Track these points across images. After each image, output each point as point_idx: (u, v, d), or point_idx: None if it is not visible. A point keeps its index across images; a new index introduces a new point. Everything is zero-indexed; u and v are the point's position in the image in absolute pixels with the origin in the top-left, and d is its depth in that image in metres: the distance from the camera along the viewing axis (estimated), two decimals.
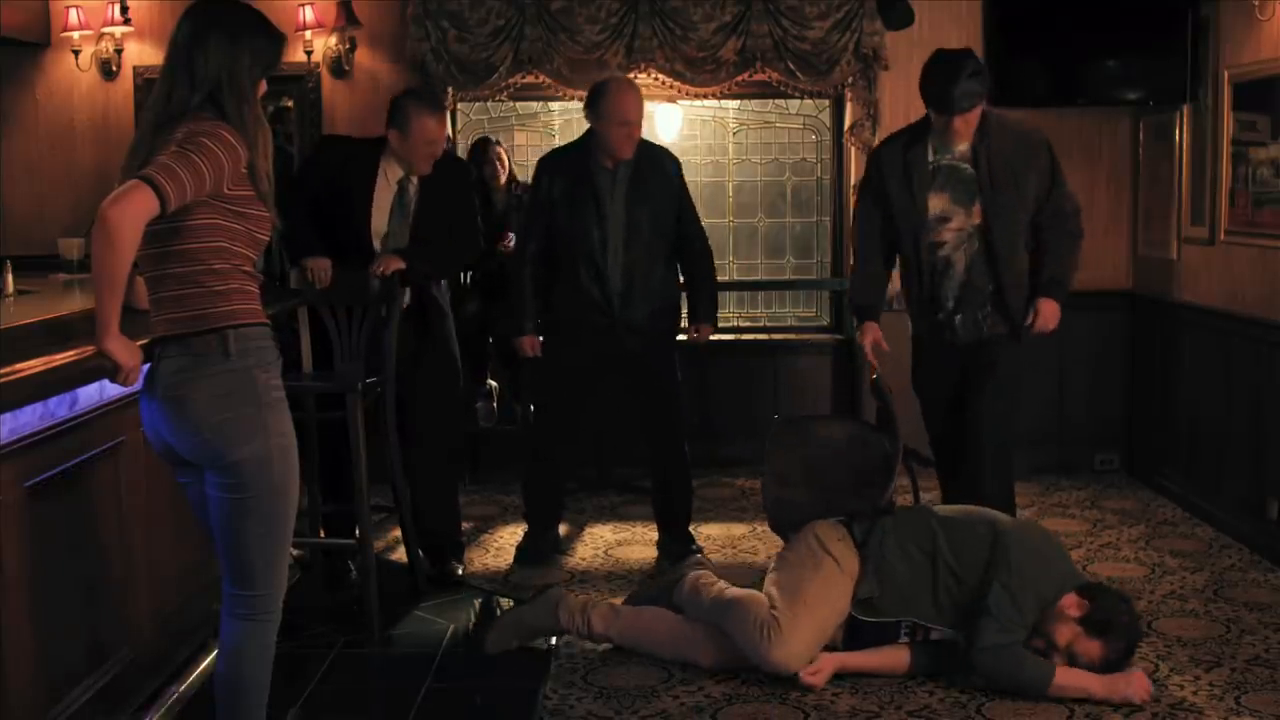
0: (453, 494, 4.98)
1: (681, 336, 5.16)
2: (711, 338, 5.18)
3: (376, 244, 4.65)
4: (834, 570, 3.89)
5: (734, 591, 3.99)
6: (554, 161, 5.01)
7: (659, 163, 4.97)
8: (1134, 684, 3.70)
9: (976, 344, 4.61)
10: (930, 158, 4.53)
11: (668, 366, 5.05)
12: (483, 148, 6.25)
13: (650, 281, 4.92)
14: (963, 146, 4.49)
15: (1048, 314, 4.58)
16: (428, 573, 4.82)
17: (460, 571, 4.90)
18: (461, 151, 6.49)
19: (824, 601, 3.86)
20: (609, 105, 4.76)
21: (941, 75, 4.38)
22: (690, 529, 5.15)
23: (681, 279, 5.11)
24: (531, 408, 5.67)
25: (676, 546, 5.07)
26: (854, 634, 3.89)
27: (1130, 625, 3.78)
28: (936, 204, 4.53)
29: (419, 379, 4.73)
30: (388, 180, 4.65)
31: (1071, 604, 3.74)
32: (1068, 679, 3.70)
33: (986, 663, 3.71)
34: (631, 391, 5.10)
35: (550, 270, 4.95)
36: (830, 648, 3.92)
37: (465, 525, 5.27)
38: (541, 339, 5.04)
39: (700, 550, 5.07)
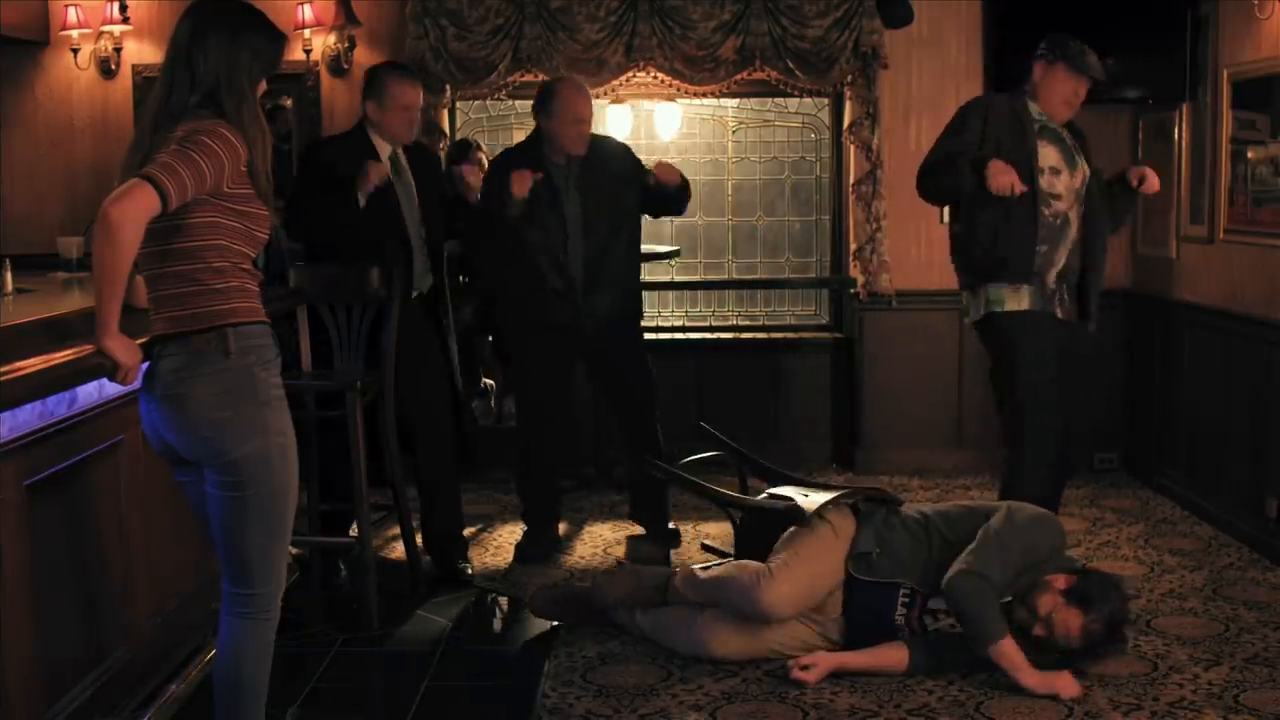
0: (457, 494, 5.00)
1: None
2: (709, 337, 5.22)
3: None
4: (828, 531, 4.02)
5: (725, 564, 4.13)
6: (507, 161, 5.04)
7: (609, 152, 5.06)
8: (1062, 681, 3.73)
9: (1068, 325, 4.61)
10: (1037, 115, 4.56)
11: (635, 352, 5.15)
12: (462, 151, 6.23)
13: (611, 269, 5.01)
14: (1060, 120, 4.59)
15: (1145, 169, 4.66)
16: (435, 574, 4.83)
17: (469, 571, 4.90)
18: None
19: (816, 555, 3.97)
20: (561, 105, 4.86)
21: (1089, 51, 4.48)
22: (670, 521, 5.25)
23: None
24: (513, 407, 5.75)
25: (656, 526, 5.19)
26: (852, 598, 3.96)
27: (1114, 605, 3.80)
28: (1050, 154, 4.54)
29: (420, 379, 4.75)
30: (383, 159, 4.69)
31: (1060, 578, 3.82)
32: (1009, 649, 3.73)
33: (959, 586, 3.74)
34: (600, 379, 5.21)
35: (513, 268, 5.01)
36: (830, 648, 3.95)
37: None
38: (511, 339, 5.22)
39: (677, 533, 5.17)
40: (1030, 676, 3.73)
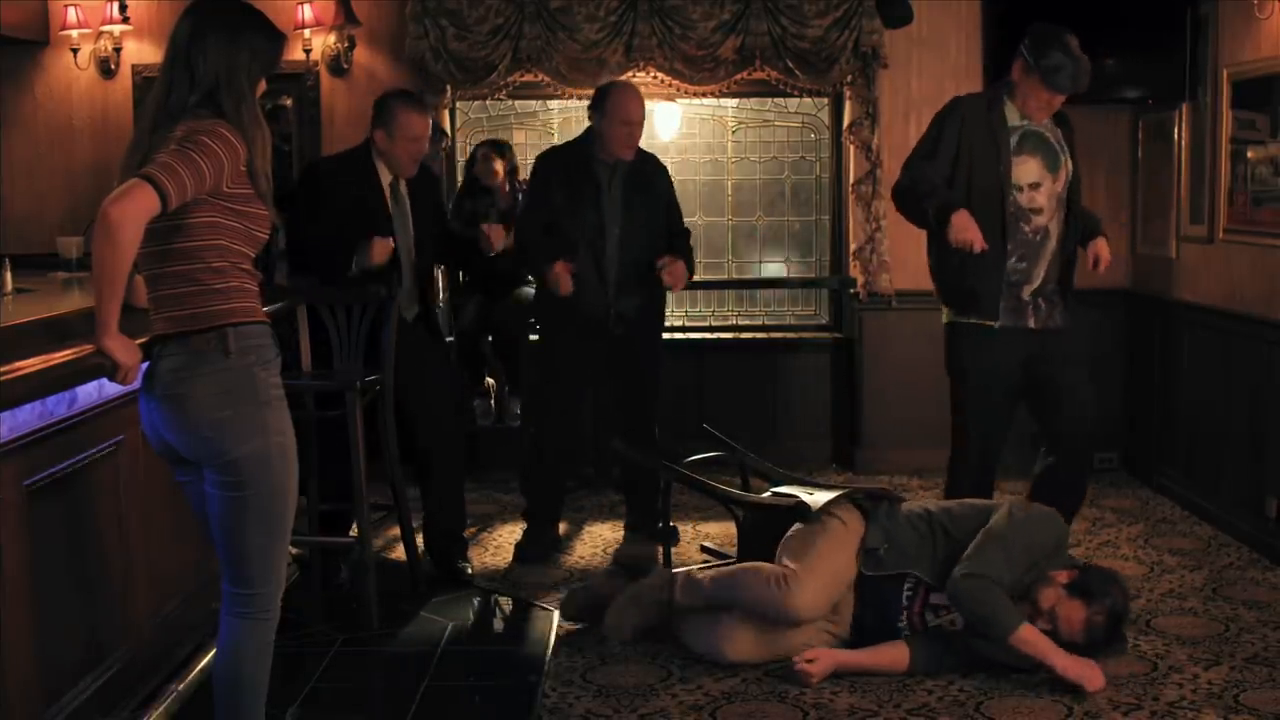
0: (462, 495, 5.01)
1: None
2: (709, 337, 5.22)
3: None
4: (840, 527, 4.04)
5: (733, 567, 4.09)
6: (554, 155, 5.20)
7: (653, 166, 5.18)
8: (1091, 670, 3.74)
9: (1045, 332, 4.56)
10: (1016, 121, 4.50)
11: (652, 355, 5.22)
12: (483, 154, 6.24)
13: (643, 273, 5.06)
14: (1045, 121, 4.53)
15: (1105, 248, 4.61)
16: (435, 574, 4.83)
17: (469, 570, 4.91)
18: (461, 150, 6.52)
19: (834, 553, 3.98)
20: (614, 105, 4.95)
21: (1066, 50, 4.37)
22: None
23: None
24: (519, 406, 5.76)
25: (646, 525, 5.20)
26: (861, 595, 3.98)
27: (1115, 598, 3.82)
28: (1030, 169, 4.48)
29: (426, 385, 4.75)
30: (384, 185, 4.70)
31: (1062, 573, 3.84)
32: (1032, 635, 3.75)
33: (965, 588, 3.77)
34: (613, 375, 5.21)
35: (548, 260, 5.03)
36: (836, 645, 3.97)
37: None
38: (537, 335, 5.25)
39: (675, 531, 5.13)
40: (1059, 658, 3.74)
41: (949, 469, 4.76)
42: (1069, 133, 4.62)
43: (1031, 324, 4.55)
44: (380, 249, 4.52)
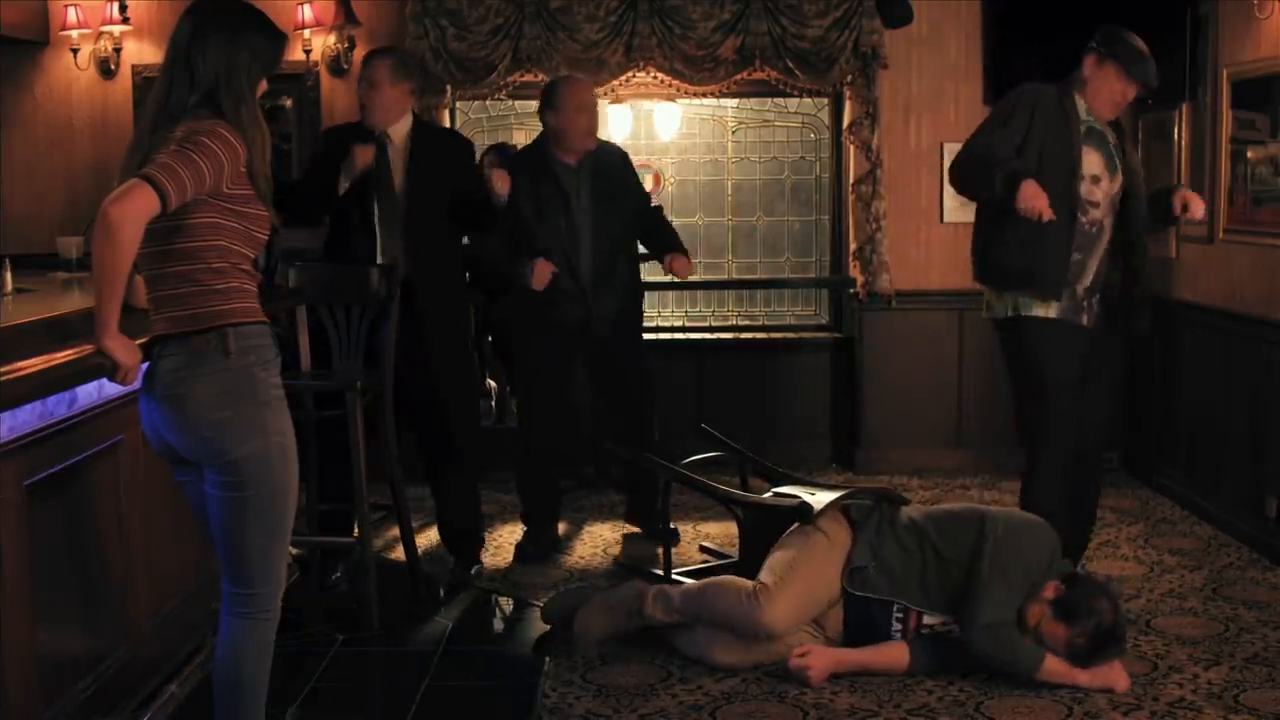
0: (476, 491, 5.02)
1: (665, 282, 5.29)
2: (709, 337, 5.22)
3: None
4: (822, 541, 3.99)
5: (703, 581, 4.08)
6: (515, 162, 5.14)
7: (614, 157, 5.17)
8: (1115, 674, 3.77)
9: (1096, 334, 4.50)
10: (1084, 115, 4.42)
11: (637, 352, 5.24)
12: (490, 161, 6.24)
13: (617, 271, 5.09)
14: (1107, 120, 4.47)
15: (1193, 195, 4.51)
16: (433, 575, 4.82)
17: (479, 571, 4.92)
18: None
19: (811, 568, 3.95)
20: (565, 95, 4.94)
21: (1138, 44, 4.34)
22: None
23: (645, 259, 5.32)
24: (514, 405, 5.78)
25: (647, 525, 5.24)
26: (848, 612, 3.95)
27: (1101, 618, 3.75)
28: (1094, 160, 4.41)
29: (438, 379, 4.75)
30: (375, 138, 4.68)
31: (1051, 587, 3.81)
32: (1054, 666, 3.75)
33: (984, 641, 3.75)
34: (601, 377, 5.24)
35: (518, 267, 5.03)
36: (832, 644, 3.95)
37: None
38: (518, 338, 5.27)
39: (675, 531, 5.10)
40: (1083, 677, 3.75)
41: (1028, 485, 4.46)
42: (1121, 139, 4.51)
43: (1085, 321, 4.48)
44: (361, 154, 4.53)
